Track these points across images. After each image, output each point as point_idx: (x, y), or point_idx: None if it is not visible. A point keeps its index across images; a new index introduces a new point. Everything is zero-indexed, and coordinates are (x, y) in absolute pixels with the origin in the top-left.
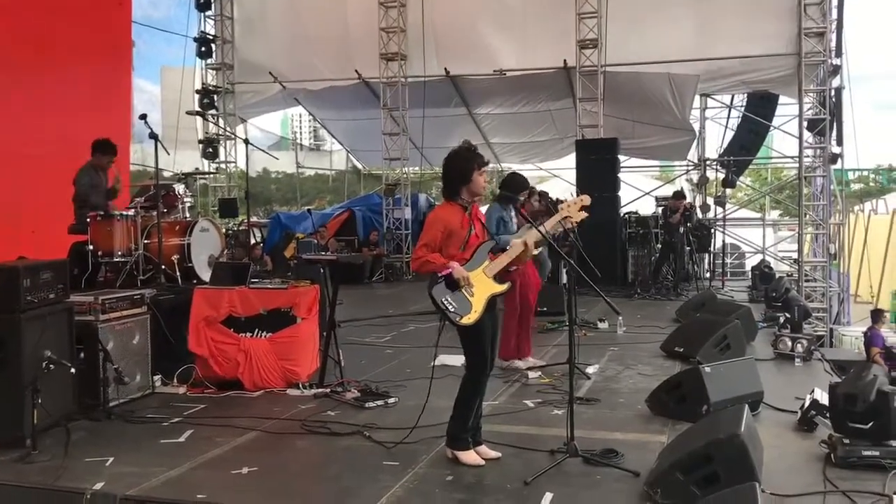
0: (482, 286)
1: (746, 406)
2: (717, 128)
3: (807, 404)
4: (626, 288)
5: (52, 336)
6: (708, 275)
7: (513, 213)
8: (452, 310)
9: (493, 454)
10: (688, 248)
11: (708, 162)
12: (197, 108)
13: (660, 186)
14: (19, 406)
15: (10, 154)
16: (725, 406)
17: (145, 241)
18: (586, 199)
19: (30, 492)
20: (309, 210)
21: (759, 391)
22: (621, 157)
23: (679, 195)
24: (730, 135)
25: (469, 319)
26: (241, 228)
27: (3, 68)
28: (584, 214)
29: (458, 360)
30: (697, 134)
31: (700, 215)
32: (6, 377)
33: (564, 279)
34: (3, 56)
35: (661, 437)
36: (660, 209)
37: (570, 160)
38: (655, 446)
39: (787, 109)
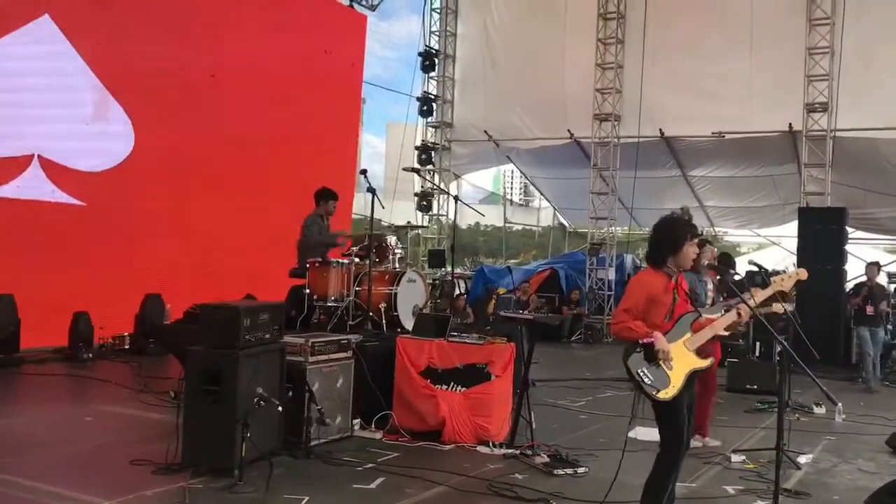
0: (682, 360)
1: None
2: None
3: None
4: (848, 370)
5: (264, 374)
6: None
7: (709, 287)
8: (649, 382)
9: None
10: None
11: None
12: (415, 164)
13: (893, 261)
14: (230, 438)
15: (252, 193)
16: None
17: (356, 289)
18: (803, 274)
19: None
20: (509, 267)
21: None
22: (849, 229)
23: None
24: None
25: (667, 394)
26: (446, 279)
27: (251, 118)
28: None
29: (654, 434)
30: None
31: None
32: (221, 410)
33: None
34: (251, 106)
35: None
36: (892, 286)
37: (791, 228)
38: None
39: None
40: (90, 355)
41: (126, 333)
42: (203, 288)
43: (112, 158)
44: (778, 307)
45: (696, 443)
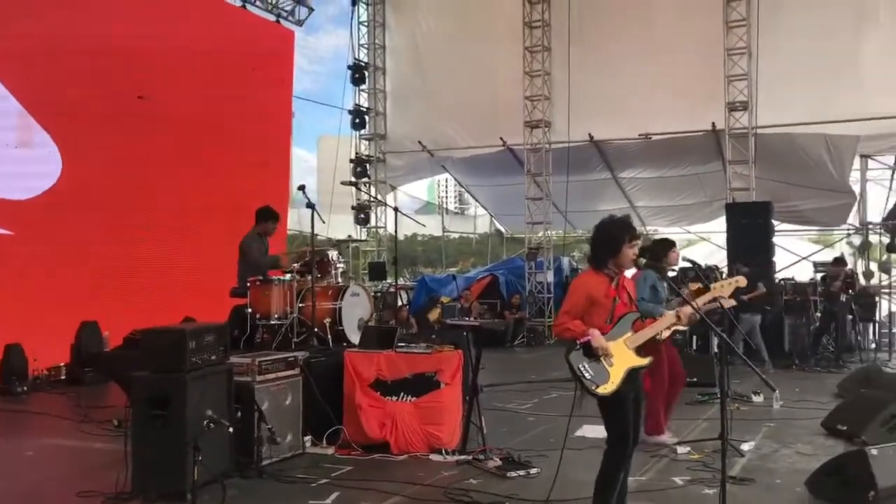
0: (622, 357)
1: None
2: (880, 189)
3: None
4: (782, 358)
5: (212, 396)
6: (873, 346)
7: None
8: (589, 378)
9: None
10: (850, 316)
11: (870, 226)
12: (351, 178)
13: (818, 251)
14: (181, 462)
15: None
16: (895, 494)
17: (300, 305)
18: (741, 281)
19: None
20: (453, 275)
21: None
22: (775, 222)
23: (840, 261)
24: (894, 197)
25: (605, 390)
26: (389, 291)
27: (182, 138)
28: (731, 302)
29: (602, 431)
30: (858, 197)
31: (863, 282)
32: (171, 434)
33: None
34: (180, 127)
35: None
36: (819, 275)
37: (720, 223)
38: None
39: None
40: (25, 388)
41: (62, 364)
42: (140, 313)
43: (39, 185)
44: (726, 302)
45: (665, 439)
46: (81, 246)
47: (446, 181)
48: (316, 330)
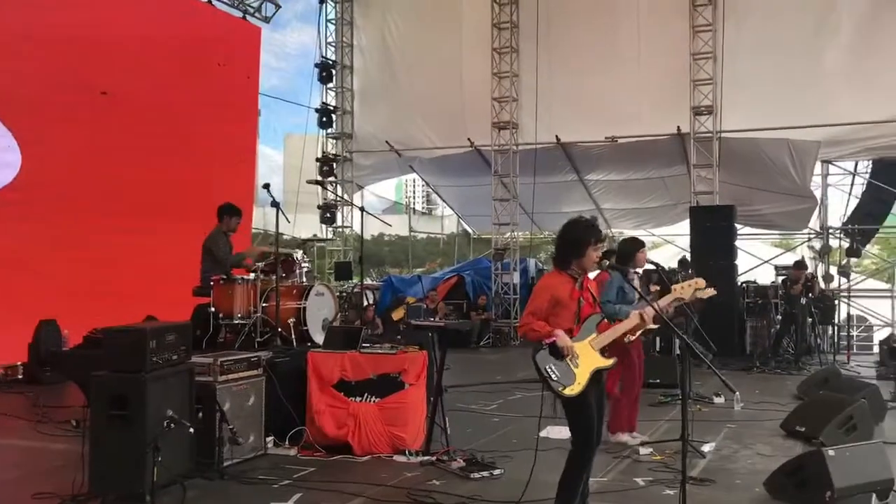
0: (587, 358)
1: (874, 496)
2: (840, 195)
3: None
4: (744, 360)
5: (173, 396)
6: (832, 349)
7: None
8: (555, 378)
9: None
10: (810, 319)
11: (831, 230)
12: (317, 176)
13: (780, 255)
14: (140, 463)
15: (147, 211)
16: (851, 494)
17: (263, 305)
18: (700, 283)
19: None
20: (419, 276)
21: (889, 478)
22: (738, 226)
23: (800, 265)
24: (854, 202)
25: (572, 391)
26: (354, 291)
27: (146, 134)
28: (701, 294)
29: (566, 432)
30: (819, 201)
31: (823, 285)
32: (130, 435)
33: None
34: (145, 122)
35: None
36: (780, 279)
37: (684, 226)
38: None
39: None
40: None
41: (19, 363)
42: (101, 311)
43: None
44: (700, 295)
45: (627, 438)
46: (41, 242)
47: (414, 181)
48: (280, 330)
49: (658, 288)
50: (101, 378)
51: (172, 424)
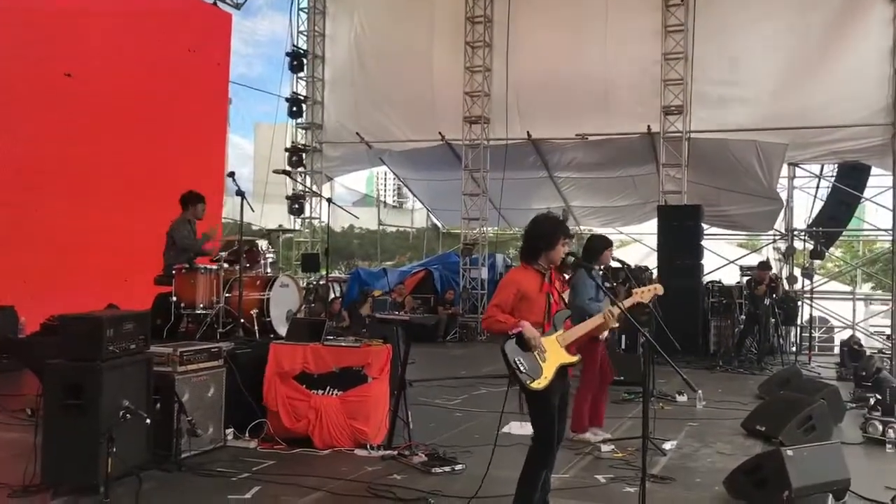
0: (554, 353)
1: (831, 496)
2: (805, 197)
3: None
4: (707, 359)
5: (130, 386)
6: (794, 349)
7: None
8: (524, 370)
9: None
10: (773, 320)
11: (796, 232)
12: (286, 167)
13: (745, 255)
14: (94, 453)
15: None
16: (808, 493)
17: (226, 295)
18: (660, 290)
19: None
20: (384, 269)
21: (845, 478)
22: (705, 226)
23: (765, 266)
24: (819, 205)
25: (538, 384)
26: (321, 283)
27: (111, 119)
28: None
29: (527, 428)
30: (785, 203)
31: (787, 287)
32: (83, 425)
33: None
34: (111, 107)
35: None
36: (744, 279)
37: (652, 225)
38: None
39: (880, 181)
40: None
41: None
42: (61, 299)
43: None
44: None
45: (589, 437)
46: (1, 227)
47: (385, 174)
48: (242, 321)
49: (626, 286)
50: (55, 366)
51: (128, 415)
